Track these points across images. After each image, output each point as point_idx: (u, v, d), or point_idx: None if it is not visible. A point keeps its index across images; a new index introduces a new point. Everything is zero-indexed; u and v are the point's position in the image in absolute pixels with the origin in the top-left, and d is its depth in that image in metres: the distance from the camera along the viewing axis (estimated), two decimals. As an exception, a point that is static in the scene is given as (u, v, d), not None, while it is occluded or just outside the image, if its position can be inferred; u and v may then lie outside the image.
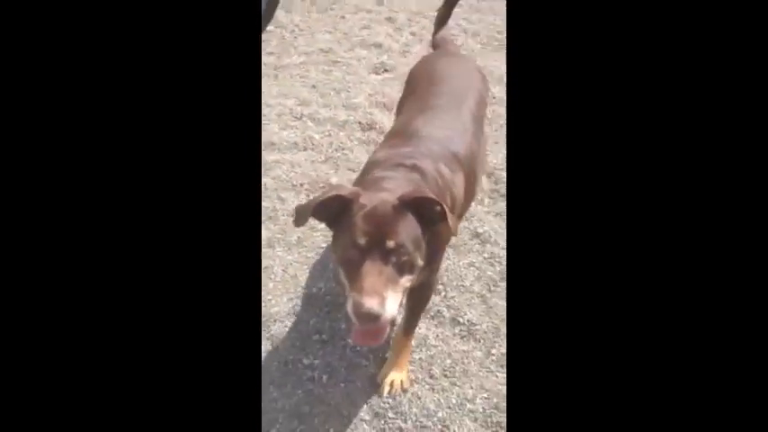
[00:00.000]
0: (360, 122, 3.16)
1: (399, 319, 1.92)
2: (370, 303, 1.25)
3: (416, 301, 1.86)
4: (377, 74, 3.62)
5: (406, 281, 1.38)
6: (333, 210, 1.45)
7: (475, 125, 1.90)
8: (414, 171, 1.59)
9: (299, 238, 2.47)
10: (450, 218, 1.40)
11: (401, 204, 1.40)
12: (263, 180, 2.74)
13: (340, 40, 3.96)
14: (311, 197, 2.02)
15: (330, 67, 3.69)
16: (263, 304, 2.19)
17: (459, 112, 1.87)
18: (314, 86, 3.49)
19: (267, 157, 2.91)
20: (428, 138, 1.72)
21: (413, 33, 4.00)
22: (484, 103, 2.09)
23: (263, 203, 2.64)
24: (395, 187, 1.50)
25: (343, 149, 2.97)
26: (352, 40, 3.96)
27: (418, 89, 2.05)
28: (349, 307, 1.31)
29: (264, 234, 2.49)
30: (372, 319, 1.27)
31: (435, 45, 2.43)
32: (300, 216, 1.45)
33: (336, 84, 3.51)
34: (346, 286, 1.38)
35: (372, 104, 3.31)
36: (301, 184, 2.75)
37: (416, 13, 4.22)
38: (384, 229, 1.34)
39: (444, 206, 1.40)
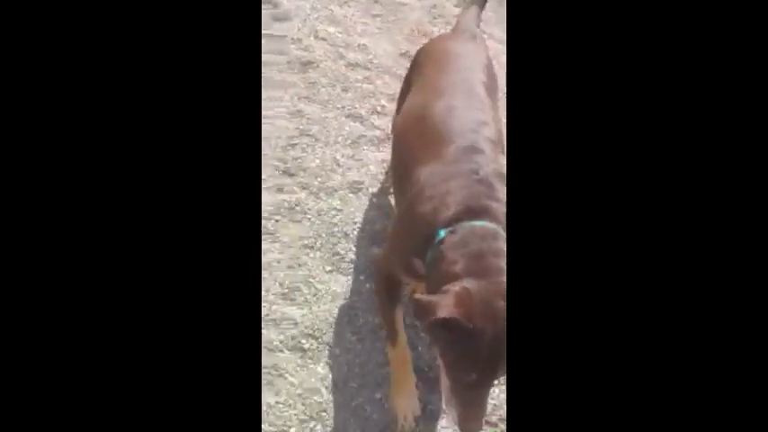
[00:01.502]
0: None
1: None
2: (472, 427, 1.44)
3: None
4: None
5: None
6: None
7: (490, 97, 1.89)
8: (490, 199, 1.51)
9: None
10: None
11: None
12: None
13: None
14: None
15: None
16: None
17: (472, 89, 1.85)
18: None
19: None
20: (464, 131, 1.65)
21: None
22: (493, 75, 2.04)
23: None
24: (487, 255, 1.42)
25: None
26: None
27: (426, 71, 1.98)
28: (453, 418, 1.49)
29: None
30: None
31: (457, 24, 2.25)
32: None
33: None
34: (450, 398, 1.47)
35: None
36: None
37: None
38: (494, 366, 1.36)
39: None
